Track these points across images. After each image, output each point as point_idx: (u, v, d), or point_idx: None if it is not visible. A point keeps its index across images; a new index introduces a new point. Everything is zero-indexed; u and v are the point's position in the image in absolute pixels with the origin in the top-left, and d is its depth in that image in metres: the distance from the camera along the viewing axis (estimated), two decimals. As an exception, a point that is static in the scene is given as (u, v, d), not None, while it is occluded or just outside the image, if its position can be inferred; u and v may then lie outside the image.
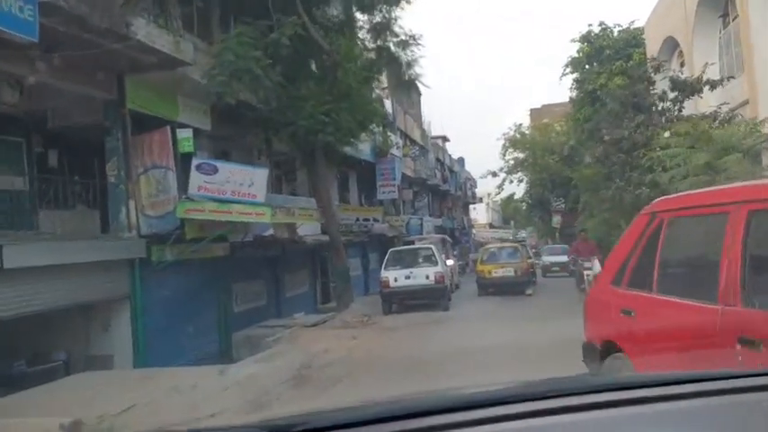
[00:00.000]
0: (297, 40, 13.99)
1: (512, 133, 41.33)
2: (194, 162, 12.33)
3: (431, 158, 40.78)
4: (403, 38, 18.09)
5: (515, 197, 52.68)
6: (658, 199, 4.79)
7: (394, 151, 28.40)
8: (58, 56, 9.26)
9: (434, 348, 11.63)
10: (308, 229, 18.14)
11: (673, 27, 20.14)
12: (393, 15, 17.65)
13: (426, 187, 39.42)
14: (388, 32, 17.96)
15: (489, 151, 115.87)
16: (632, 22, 27.20)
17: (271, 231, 15.43)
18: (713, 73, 16.41)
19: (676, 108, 16.34)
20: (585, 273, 16.43)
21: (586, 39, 27.90)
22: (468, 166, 58.79)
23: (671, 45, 21.06)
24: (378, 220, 25.26)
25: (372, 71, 18.01)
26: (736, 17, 16.50)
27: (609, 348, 4.45)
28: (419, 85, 20.80)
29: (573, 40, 28.31)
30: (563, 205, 39.57)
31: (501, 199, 60.02)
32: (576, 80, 28.73)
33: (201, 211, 12.09)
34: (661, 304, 3.95)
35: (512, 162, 40.73)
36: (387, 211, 28.41)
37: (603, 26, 27.77)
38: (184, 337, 12.52)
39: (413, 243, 24.22)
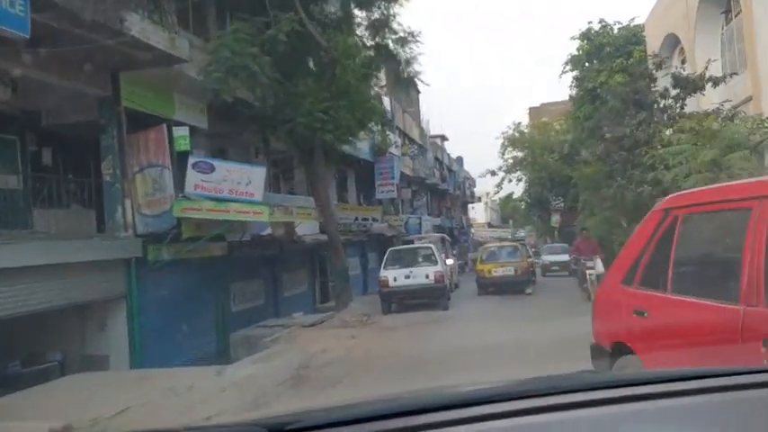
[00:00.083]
0: (294, 37, 13.87)
1: (511, 132, 41.38)
2: (191, 160, 12.23)
3: (429, 157, 40.70)
4: (401, 35, 17.98)
5: (514, 196, 52.68)
6: (671, 195, 4.65)
7: (393, 150, 28.28)
8: (50, 52, 9.11)
9: (434, 348, 11.56)
10: (307, 228, 18.04)
11: (674, 24, 20.01)
12: (391, 12, 17.53)
13: (425, 186, 39.35)
14: (386, 29, 17.83)
15: (488, 150, 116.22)
16: (632, 19, 27.13)
17: (269, 230, 15.34)
18: (715, 70, 16.31)
19: (678, 105, 16.23)
20: (588, 272, 16.27)
21: (586, 36, 27.79)
22: (466, 166, 58.89)
23: (672, 42, 20.94)
24: (376, 220, 25.15)
25: (371, 68, 17.87)
26: (738, 13, 16.37)
27: (620, 350, 4.29)
28: (418, 82, 20.64)
29: (573, 38, 28.21)
30: (562, 204, 39.53)
31: (500, 198, 59.93)
32: (575, 78, 28.64)
33: (199, 210, 12.00)
34: (676, 304, 3.79)
35: (510, 161, 40.76)
36: (385, 210, 28.32)
37: (603, 23, 27.67)
38: (181, 337, 12.41)
39: (412, 242, 24.15)
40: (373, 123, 19.45)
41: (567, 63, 28.80)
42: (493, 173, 40.65)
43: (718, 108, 14.81)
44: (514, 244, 24.38)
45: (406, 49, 18.14)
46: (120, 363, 11.07)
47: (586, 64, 27.82)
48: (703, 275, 4.05)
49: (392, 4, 17.28)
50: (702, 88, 15.69)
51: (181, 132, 12.01)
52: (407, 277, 17.47)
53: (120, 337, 11.22)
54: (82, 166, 12.20)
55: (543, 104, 53.50)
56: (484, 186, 59.40)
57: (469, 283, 23.53)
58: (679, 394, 1.54)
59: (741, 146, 11.61)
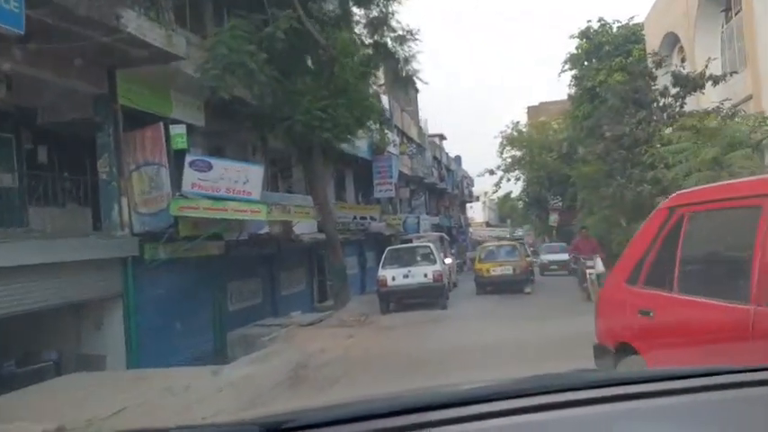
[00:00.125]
0: (292, 35, 13.79)
1: (509, 131, 41.35)
2: (188, 159, 12.13)
3: (428, 156, 40.65)
4: (400, 33, 17.90)
5: (512, 195, 52.70)
6: (677, 193, 4.56)
7: (391, 149, 28.18)
8: (46, 49, 9.02)
9: (432, 347, 11.48)
10: (305, 227, 17.97)
11: (674, 22, 19.96)
12: (390, 10, 17.46)
13: (423, 185, 39.30)
14: (385, 27, 17.75)
15: (486, 149, 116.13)
16: (631, 18, 27.16)
17: (266, 229, 15.26)
18: (715, 68, 16.27)
19: (678, 104, 16.19)
20: (588, 271, 16.18)
21: (585, 35, 27.81)
22: (465, 165, 58.88)
23: (671, 40, 20.89)
24: (375, 219, 25.07)
25: (370, 66, 17.76)
26: (739, 11, 16.31)
27: (624, 350, 4.22)
28: (416, 81, 20.56)
29: (572, 37, 28.24)
30: (560, 203, 39.51)
31: (498, 197, 59.94)
32: (574, 77, 28.65)
33: (196, 209, 11.92)
34: (683, 304, 3.71)
35: (509, 160, 40.76)
36: (384, 209, 28.27)
37: (603, 22, 27.66)
38: (178, 337, 12.33)
39: (411, 241, 24.04)
40: (372, 122, 19.35)
41: (566, 62, 28.84)
42: (491, 172, 40.74)
43: (718, 107, 14.77)
44: (513, 243, 24.34)
45: (405, 48, 18.09)
46: (117, 362, 11.00)
47: (585, 63, 27.84)
48: (711, 274, 3.97)
49: (391, 1, 17.23)
50: (702, 87, 15.66)
51: (178, 130, 11.91)
52: (406, 276, 17.39)
53: (116, 337, 11.15)
54: (78, 165, 12.12)
55: (542, 103, 53.41)
56: (482, 185, 59.53)
57: (468, 282, 23.47)
58: (675, 393, 1.54)
59: (742, 144, 11.56)
